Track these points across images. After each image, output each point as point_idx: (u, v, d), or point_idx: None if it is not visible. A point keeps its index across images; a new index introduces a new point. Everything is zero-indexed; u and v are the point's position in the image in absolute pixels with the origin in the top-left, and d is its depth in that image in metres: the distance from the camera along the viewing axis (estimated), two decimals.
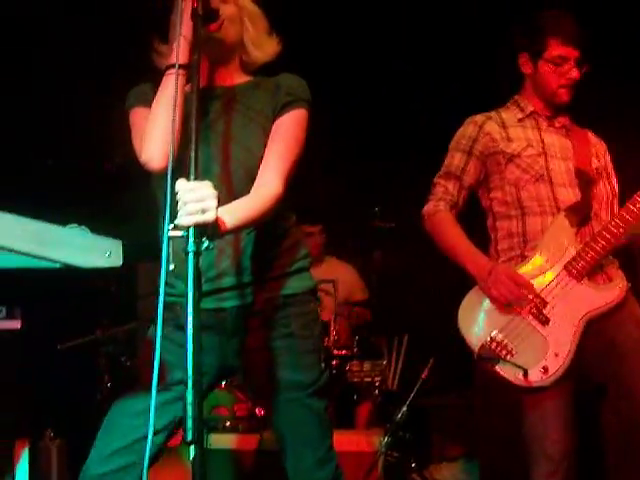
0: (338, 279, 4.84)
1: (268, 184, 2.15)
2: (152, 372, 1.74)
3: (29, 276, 1.76)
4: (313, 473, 2.24)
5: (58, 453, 3.89)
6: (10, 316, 3.72)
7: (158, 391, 1.74)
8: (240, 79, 2.33)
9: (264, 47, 2.33)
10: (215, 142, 2.21)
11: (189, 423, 1.66)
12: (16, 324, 3.72)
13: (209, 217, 1.78)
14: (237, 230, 2.02)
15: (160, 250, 2.21)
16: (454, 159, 2.89)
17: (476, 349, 2.70)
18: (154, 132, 2.11)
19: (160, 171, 2.08)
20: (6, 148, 4.58)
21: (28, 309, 3.70)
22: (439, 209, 2.87)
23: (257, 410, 3.60)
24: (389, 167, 5.19)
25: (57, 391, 4.15)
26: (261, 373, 2.26)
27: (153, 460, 2.12)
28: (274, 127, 2.23)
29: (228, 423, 3.48)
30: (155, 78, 2.25)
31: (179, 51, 1.99)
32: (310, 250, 4.72)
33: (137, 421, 2.14)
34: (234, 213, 1.97)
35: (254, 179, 2.17)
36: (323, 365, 2.31)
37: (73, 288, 2.08)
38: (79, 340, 4.23)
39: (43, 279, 1.84)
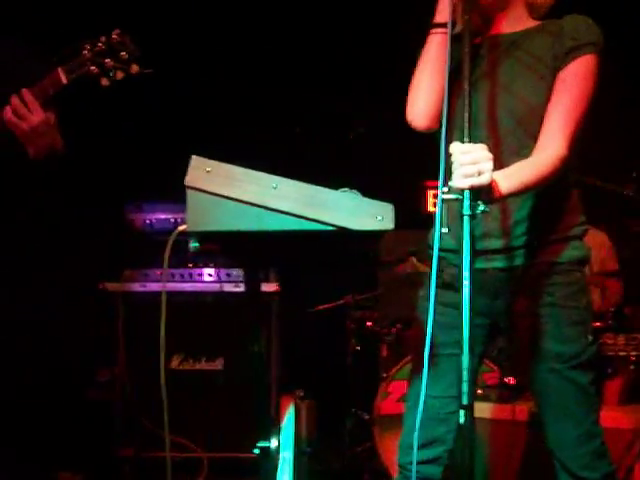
0: (591, 247, 4.61)
1: (551, 147, 2.03)
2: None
3: (286, 240, 1.80)
4: (575, 448, 2.16)
5: (307, 414, 4.02)
6: (266, 279, 3.92)
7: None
8: (525, 25, 2.19)
9: None
10: (486, 90, 2.13)
11: (465, 387, 1.66)
12: (272, 287, 3.91)
13: (484, 180, 1.75)
14: (513, 195, 1.95)
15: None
16: None
17: None
18: (418, 92, 2.11)
19: (423, 130, 2.11)
20: (259, 118, 4.79)
21: (284, 272, 3.87)
22: None
23: (507, 379, 3.55)
24: None
25: (309, 353, 4.29)
26: (521, 339, 2.21)
27: None
28: (558, 79, 2.08)
29: (480, 391, 3.45)
30: None
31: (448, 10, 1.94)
32: None
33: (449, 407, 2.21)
34: (511, 178, 1.91)
35: (526, 130, 2.08)
36: (591, 338, 2.19)
37: (329, 252, 2.11)
38: (330, 305, 4.37)
39: (302, 242, 1.88)
